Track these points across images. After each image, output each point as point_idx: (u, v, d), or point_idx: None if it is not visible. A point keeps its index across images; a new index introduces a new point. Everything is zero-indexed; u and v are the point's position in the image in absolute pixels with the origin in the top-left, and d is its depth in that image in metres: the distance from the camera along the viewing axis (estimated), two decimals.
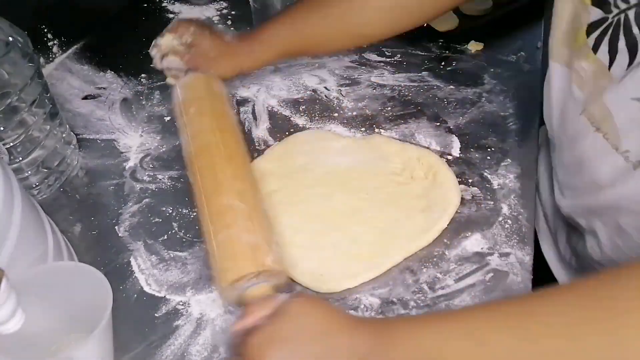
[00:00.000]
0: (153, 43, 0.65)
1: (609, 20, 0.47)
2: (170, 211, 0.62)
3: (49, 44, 0.81)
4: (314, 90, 0.77)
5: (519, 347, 0.37)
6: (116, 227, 0.60)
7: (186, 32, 0.64)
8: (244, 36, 0.66)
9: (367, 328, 0.41)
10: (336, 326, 0.41)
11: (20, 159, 0.58)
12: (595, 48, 0.49)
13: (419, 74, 0.79)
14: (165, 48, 0.64)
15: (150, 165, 0.67)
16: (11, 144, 0.56)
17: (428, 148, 0.69)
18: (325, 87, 0.78)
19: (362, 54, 0.84)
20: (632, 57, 0.46)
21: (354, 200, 0.62)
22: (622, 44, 0.46)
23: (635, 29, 0.45)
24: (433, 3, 0.63)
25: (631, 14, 0.45)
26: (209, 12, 0.92)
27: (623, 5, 0.45)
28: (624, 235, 0.52)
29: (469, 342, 0.38)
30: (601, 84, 0.50)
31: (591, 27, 0.49)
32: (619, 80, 0.47)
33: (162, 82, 0.78)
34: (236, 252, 0.47)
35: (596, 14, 0.48)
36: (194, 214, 0.61)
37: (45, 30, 0.79)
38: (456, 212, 0.61)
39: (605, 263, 0.56)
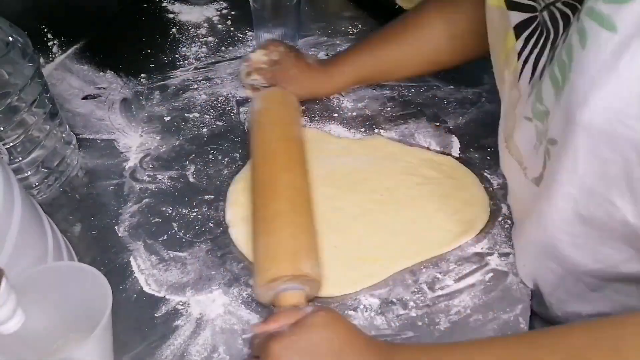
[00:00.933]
0: (244, 57, 0.73)
1: (538, 19, 0.44)
2: (170, 211, 0.62)
3: (49, 44, 0.81)
4: None
5: None
6: (116, 227, 0.60)
7: (275, 51, 0.70)
8: (325, 61, 0.72)
9: (376, 350, 0.45)
10: (349, 345, 0.44)
11: (20, 159, 0.58)
12: (520, 53, 0.47)
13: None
14: (255, 63, 0.71)
15: (150, 165, 0.67)
16: (11, 144, 0.56)
17: (428, 148, 0.69)
18: None
19: None
20: (534, 68, 0.44)
21: (366, 202, 0.61)
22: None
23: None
24: None
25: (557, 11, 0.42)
26: (209, 12, 0.92)
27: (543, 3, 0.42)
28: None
29: None
30: (513, 95, 0.49)
31: (518, 29, 0.46)
32: (526, 94, 0.46)
33: (162, 82, 0.78)
34: (277, 254, 0.51)
35: (517, 17, 0.46)
36: (194, 214, 0.61)
37: (45, 30, 0.79)
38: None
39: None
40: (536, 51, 0.44)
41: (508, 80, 0.50)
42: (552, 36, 0.42)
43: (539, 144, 0.44)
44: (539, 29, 0.43)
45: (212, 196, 0.63)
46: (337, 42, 0.87)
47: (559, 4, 0.41)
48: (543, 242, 0.49)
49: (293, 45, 0.76)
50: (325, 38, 0.88)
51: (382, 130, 0.71)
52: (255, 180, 0.59)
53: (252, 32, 0.86)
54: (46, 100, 0.60)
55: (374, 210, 0.60)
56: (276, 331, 0.45)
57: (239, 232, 0.58)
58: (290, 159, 0.59)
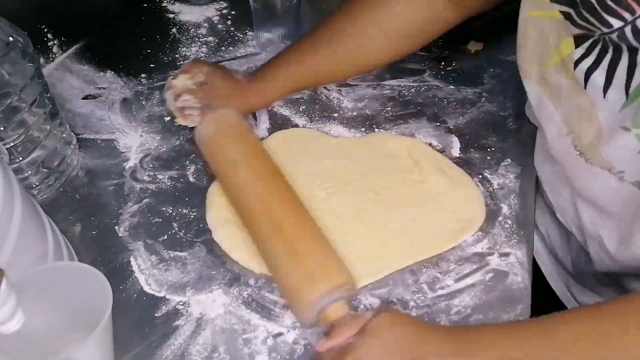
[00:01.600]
0: (166, 85, 0.67)
1: (594, 38, 0.44)
2: (170, 211, 0.62)
3: (49, 44, 0.80)
4: (314, 90, 0.77)
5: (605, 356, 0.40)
6: (116, 227, 0.60)
7: (199, 73, 0.66)
8: (254, 74, 0.69)
9: (451, 336, 0.45)
10: (422, 339, 0.44)
11: (21, 159, 0.58)
12: (577, 63, 0.46)
13: (419, 74, 0.79)
14: (180, 89, 0.66)
15: (150, 165, 0.67)
16: (11, 144, 0.56)
17: None
18: (325, 87, 0.78)
19: None
20: (627, 83, 0.43)
21: (360, 201, 0.61)
22: (623, 65, 0.43)
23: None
24: (434, 27, 0.64)
25: (614, 36, 0.42)
26: (209, 12, 0.92)
27: (605, 29, 0.42)
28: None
29: (553, 352, 0.41)
30: (581, 102, 0.48)
31: (578, 41, 0.46)
32: (616, 102, 0.45)
33: (162, 82, 0.78)
34: (313, 270, 0.50)
35: (574, 28, 0.46)
36: (194, 214, 0.61)
37: (45, 30, 0.79)
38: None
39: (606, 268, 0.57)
40: (605, 64, 0.43)
41: (565, 86, 0.49)
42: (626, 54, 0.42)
43: None
44: (600, 43, 0.43)
45: None
46: None
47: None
48: None
49: (215, 63, 0.74)
50: None
51: (382, 130, 0.71)
52: (241, 203, 0.57)
53: (252, 32, 0.86)
54: (46, 100, 0.60)
55: (371, 210, 0.60)
56: (345, 345, 0.44)
57: (224, 236, 0.58)
58: (266, 173, 0.58)
